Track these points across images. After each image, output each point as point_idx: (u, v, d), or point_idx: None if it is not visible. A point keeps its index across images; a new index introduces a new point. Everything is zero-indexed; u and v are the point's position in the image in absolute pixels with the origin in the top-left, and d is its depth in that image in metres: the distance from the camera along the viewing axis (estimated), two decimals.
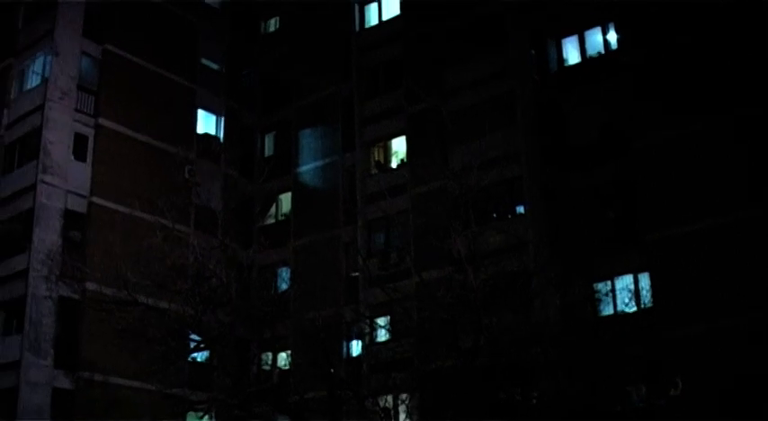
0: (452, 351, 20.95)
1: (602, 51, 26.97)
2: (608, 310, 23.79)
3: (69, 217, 30.12)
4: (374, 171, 32.05)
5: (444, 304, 21.08)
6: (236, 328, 25.86)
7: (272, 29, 38.41)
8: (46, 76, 31.29)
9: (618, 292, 23.44)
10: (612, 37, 27.02)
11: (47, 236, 29.34)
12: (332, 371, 24.59)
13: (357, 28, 34.06)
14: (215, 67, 36.61)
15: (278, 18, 38.14)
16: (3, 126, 32.23)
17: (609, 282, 23.61)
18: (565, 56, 27.68)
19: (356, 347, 29.75)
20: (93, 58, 32.30)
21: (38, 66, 32.12)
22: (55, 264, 28.45)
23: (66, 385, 28.80)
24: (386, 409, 23.13)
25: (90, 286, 28.36)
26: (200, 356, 28.81)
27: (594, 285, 23.59)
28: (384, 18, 33.52)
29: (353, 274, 30.29)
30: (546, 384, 20.50)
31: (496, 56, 28.40)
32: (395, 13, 33.10)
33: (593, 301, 23.43)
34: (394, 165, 31.66)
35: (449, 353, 21.08)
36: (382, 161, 32.20)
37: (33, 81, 32.04)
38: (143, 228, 29.09)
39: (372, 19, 33.98)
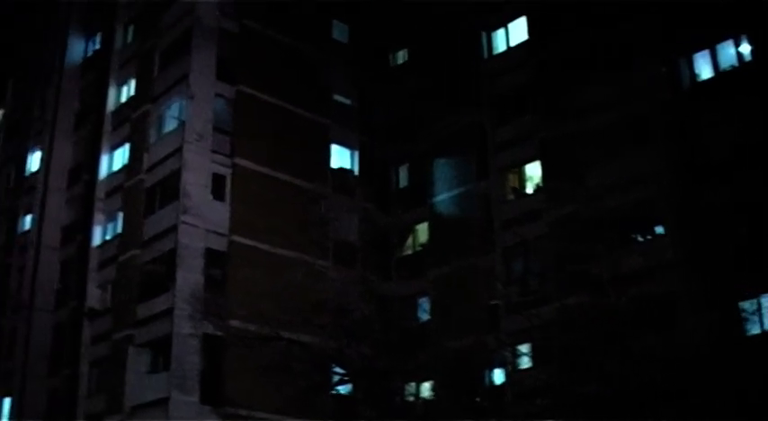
0: (597, 376, 22.34)
1: (736, 64, 27.83)
2: (755, 330, 24.55)
3: (210, 256, 33.13)
4: (510, 197, 33.92)
5: (587, 329, 22.84)
6: (379, 360, 28.38)
7: (400, 61, 41.40)
8: (182, 119, 34.75)
9: (765, 311, 24.16)
10: (745, 49, 27.89)
11: (189, 275, 32.39)
12: (477, 399, 26.70)
13: (485, 55, 36.31)
14: (347, 101, 39.77)
15: (406, 50, 41.07)
16: (143, 170, 36.07)
17: (755, 301, 24.33)
18: (697, 71, 28.70)
19: (499, 375, 31.39)
20: (227, 99, 35.78)
21: (174, 110, 35.90)
22: (198, 302, 31.70)
23: None
24: None
25: (233, 323, 31.49)
26: (344, 389, 31.25)
27: (740, 304, 24.43)
28: (512, 44, 35.63)
29: (493, 302, 31.96)
30: (695, 406, 21.75)
31: (627, 75, 29.85)
32: (522, 38, 35.17)
33: (740, 321, 24.25)
34: (529, 190, 33.33)
35: (594, 379, 22.47)
36: (517, 187, 33.97)
37: (170, 125, 35.77)
38: (283, 264, 32.21)
39: (500, 45, 36.16)
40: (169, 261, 33.21)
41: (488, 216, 33.86)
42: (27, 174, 46.71)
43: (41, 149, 45.57)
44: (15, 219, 46.46)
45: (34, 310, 41.73)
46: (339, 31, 40.80)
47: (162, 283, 33.28)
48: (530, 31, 34.81)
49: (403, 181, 39.39)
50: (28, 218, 45.28)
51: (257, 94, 36.40)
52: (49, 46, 49.22)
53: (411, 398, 31.10)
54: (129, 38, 42.78)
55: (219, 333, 31.80)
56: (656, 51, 29.28)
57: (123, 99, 41.29)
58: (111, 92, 41.94)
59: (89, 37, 47.24)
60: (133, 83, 40.50)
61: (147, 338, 33.57)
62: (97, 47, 45.97)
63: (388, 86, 40.66)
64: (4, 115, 52.83)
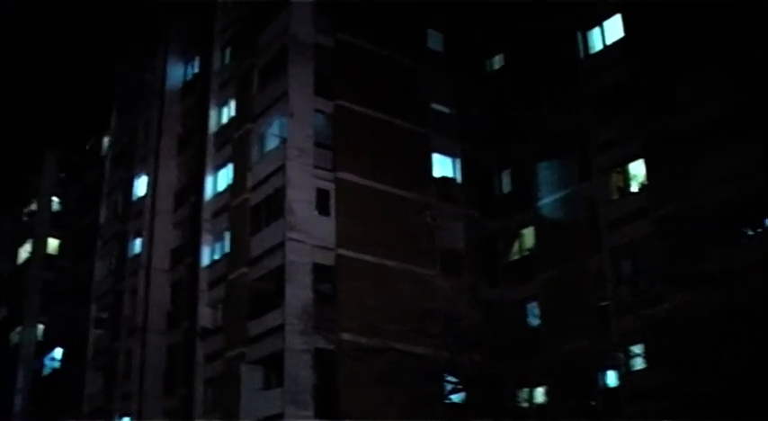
0: (713, 376, 22.69)
1: None
2: None
3: (318, 271, 34.28)
4: (614, 197, 34.27)
5: (701, 327, 23.19)
6: (491, 367, 29.19)
7: (496, 66, 42.38)
8: (284, 136, 36.25)
9: None
10: None
11: (298, 291, 33.55)
12: (592, 403, 27.21)
13: (582, 55, 36.97)
14: (445, 110, 40.67)
15: (501, 55, 42.05)
16: (248, 189, 37.73)
17: None
18: None
19: (612, 377, 31.78)
20: (326, 114, 37.12)
21: (275, 128, 37.44)
22: (308, 317, 32.91)
23: None
24: None
25: (344, 336, 32.66)
26: (457, 398, 31.90)
27: None
28: (608, 42, 36.17)
29: (603, 304, 32.40)
30: None
31: (728, 67, 29.98)
32: (618, 35, 35.67)
33: None
34: (634, 189, 33.67)
35: (710, 379, 22.79)
36: (621, 186, 34.31)
37: (272, 143, 37.33)
38: (390, 276, 33.32)
39: (596, 44, 36.74)
40: (278, 277, 34.48)
41: (593, 217, 34.34)
42: (134, 198, 49.35)
43: (147, 174, 48.17)
44: (125, 244, 49.13)
45: (148, 332, 44.06)
46: (434, 40, 41.85)
47: (272, 300, 34.53)
48: (625, 28, 35.27)
49: (506, 186, 40.17)
50: (137, 242, 47.84)
51: (356, 108, 37.63)
52: (149, 73, 52.03)
53: (524, 404, 31.67)
54: (227, 59, 44.79)
55: (331, 347, 32.89)
56: (758, 41, 29.20)
57: (224, 120, 43.26)
58: (212, 114, 44.00)
59: (188, 61, 49.78)
60: (233, 103, 42.40)
61: (260, 355, 34.85)
62: (196, 70, 48.38)
63: (485, 92, 41.62)
64: (110, 143, 55.89)
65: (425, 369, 29.39)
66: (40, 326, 64.26)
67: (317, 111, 37.10)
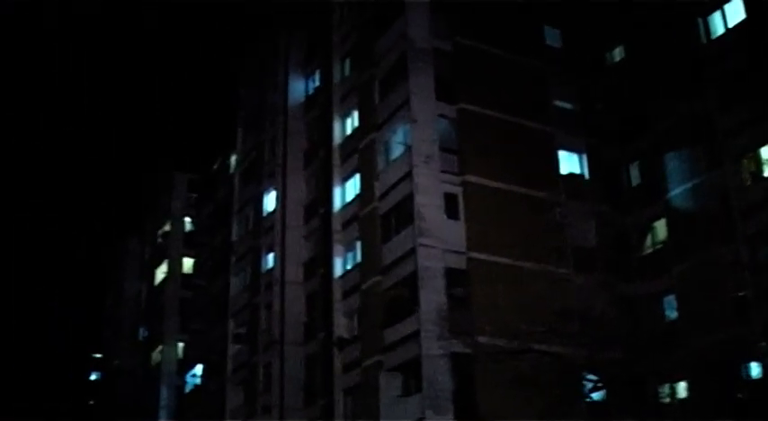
0: None
1: None
2: None
3: (451, 275, 34.86)
4: (747, 183, 33.89)
5: None
6: (631, 364, 29.24)
7: (617, 58, 42.21)
8: (408, 143, 37.06)
9: None
10: None
11: (432, 296, 34.19)
12: (738, 396, 26.95)
13: (704, 40, 36.60)
14: (568, 106, 40.86)
15: (622, 46, 41.88)
16: (376, 198, 38.78)
17: None
18: None
19: (755, 369, 31.35)
20: (449, 118, 37.81)
21: (399, 136, 38.32)
22: (444, 322, 33.46)
23: None
24: None
25: (481, 339, 33.05)
26: (597, 396, 32.09)
27: None
28: (729, 25, 35.73)
29: (741, 293, 32.02)
30: None
31: None
32: (740, 18, 35.25)
33: None
34: (767, 174, 33.24)
35: None
36: (754, 171, 33.87)
37: (397, 151, 38.22)
38: (523, 276, 33.70)
39: (718, 28, 36.32)
40: (411, 284, 35.22)
41: (726, 205, 33.99)
42: (265, 214, 51.15)
43: (276, 189, 49.93)
44: (258, 259, 50.95)
45: (285, 345, 45.58)
46: (551, 37, 42.12)
47: (406, 307, 35.29)
48: (747, 10, 34.86)
49: (634, 179, 39.93)
50: (270, 256, 49.56)
51: (478, 110, 38.18)
52: (271, 90, 53.91)
53: (666, 400, 31.52)
54: (347, 71, 46.17)
55: (468, 350, 33.27)
56: None
57: (348, 131, 44.54)
58: (336, 125, 45.37)
59: (308, 76, 51.43)
60: (356, 114, 43.65)
61: (397, 362, 35.65)
62: (317, 84, 49.94)
63: (607, 85, 41.62)
64: (238, 161, 57.98)
65: (564, 368, 29.61)
66: (180, 345, 67.08)
67: (440, 116, 37.74)
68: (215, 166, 64.75)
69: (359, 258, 40.94)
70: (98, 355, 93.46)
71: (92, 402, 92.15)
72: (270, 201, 51.05)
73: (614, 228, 38.13)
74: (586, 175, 40.13)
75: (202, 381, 59.09)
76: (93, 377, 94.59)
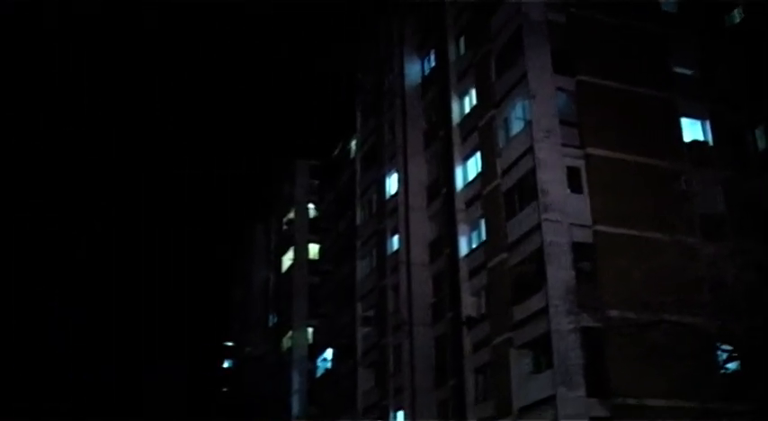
0: None
1: None
2: None
3: (577, 249, 35.13)
4: None
5: None
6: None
7: (736, 20, 41.44)
8: (528, 119, 37.48)
9: None
10: None
11: (559, 271, 34.59)
12: None
13: None
14: (688, 72, 40.26)
15: (740, 7, 41.10)
16: (498, 175, 39.28)
17: None
18: None
19: None
20: (568, 91, 37.92)
21: (518, 111, 38.80)
22: (572, 296, 33.67)
23: (601, 413, 32.86)
24: None
25: (610, 313, 32.57)
26: (733, 366, 31.60)
27: None
28: None
29: None
30: None
31: None
32: None
33: None
34: None
35: None
36: None
37: (517, 126, 38.65)
38: (651, 247, 33.37)
39: None
40: (537, 260, 35.69)
41: None
42: (388, 196, 52.26)
43: (397, 171, 50.94)
44: (383, 242, 52.06)
45: (414, 326, 46.63)
46: (667, 2, 41.55)
47: (534, 283, 35.74)
48: None
49: (761, 143, 39.42)
50: (395, 238, 50.65)
51: (597, 81, 38.07)
52: (387, 73, 54.89)
53: None
54: (462, 49, 46.81)
55: (598, 324, 33.14)
56: None
57: (467, 110, 45.17)
58: (454, 105, 46.06)
59: (423, 57, 52.21)
60: (473, 92, 44.21)
61: (527, 339, 36.18)
62: (432, 64, 50.63)
63: (728, 49, 40.79)
64: (358, 145, 59.24)
65: (697, 339, 29.44)
66: (310, 330, 68.98)
67: (559, 89, 37.91)
68: (335, 152, 66.21)
69: (484, 236, 41.50)
70: (229, 343, 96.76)
71: (225, 389, 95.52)
72: (392, 184, 52.12)
73: (743, 194, 37.47)
74: (710, 142, 39.56)
75: (333, 365, 60.77)
76: (225, 365, 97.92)
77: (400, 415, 47.31)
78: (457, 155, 44.87)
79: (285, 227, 76.02)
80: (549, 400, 33.76)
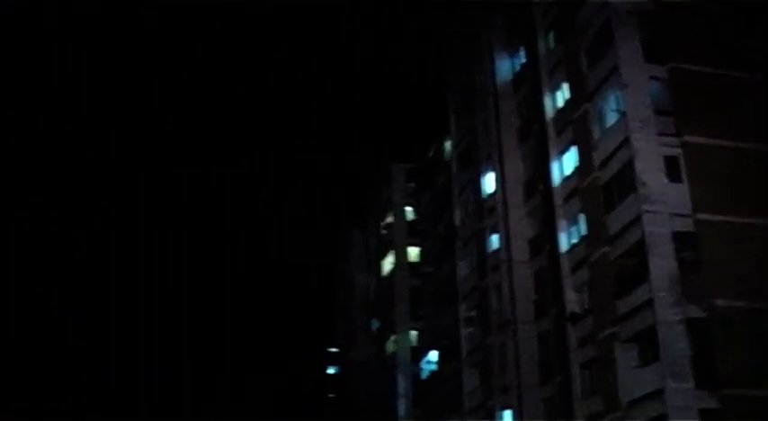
0: None
1: None
2: None
3: (678, 239, 34.90)
4: None
5: None
6: None
7: None
8: (622, 110, 37.38)
9: None
10: None
11: (662, 262, 34.41)
12: None
13: None
14: None
15: None
16: (595, 168, 39.21)
17: None
18: None
19: None
20: (661, 79, 37.64)
21: (612, 103, 38.68)
22: (676, 287, 33.74)
23: (710, 405, 32.59)
24: None
25: (717, 302, 33.09)
26: None
27: None
28: None
29: None
30: None
31: None
32: None
33: None
34: None
35: None
36: None
37: (612, 118, 38.54)
38: (755, 233, 33.22)
39: None
40: (639, 252, 35.48)
41: None
42: (485, 196, 52.40)
43: (493, 170, 51.08)
44: (483, 241, 52.25)
45: (517, 324, 46.75)
46: None
47: (637, 275, 35.51)
48: None
49: None
50: (494, 237, 50.78)
51: (689, 68, 37.67)
52: (477, 73, 55.15)
53: None
54: (551, 44, 46.82)
55: (704, 314, 33.34)
56: None
57: (560, 104, 45.14)
58: (547, 100, 46.15)
59: (513, 54, 52.28)
60: (565, 86, 44.20)
61: (632, 332, 35.97)
62: (522, 61, 50.69)
63: None
64: (452, 146, 59.58)
65: None
66: (413, 332, 69.43)
67: (651, 78, 37.70)
68: (430, 154, 66.63)
69: (583, 231, 41.43)
70: (334, 349, 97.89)
71: (331, 395, 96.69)
72: (489, 183, 52.24)
73: None
74: None
75: (438, 367, 61.01)
76: (330, 371, 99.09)
77: (507, 414, 47.33)
78: (552, 150, 44.89)
79: (383, 231, 76.75)
80: (657, 394, 33.56)
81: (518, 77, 51.24)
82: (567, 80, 43.81)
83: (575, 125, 42.17)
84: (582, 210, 41.55)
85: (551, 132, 45.27)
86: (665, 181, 36.05)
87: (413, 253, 71.98)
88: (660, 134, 36.60)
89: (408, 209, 74.00)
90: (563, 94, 44.87)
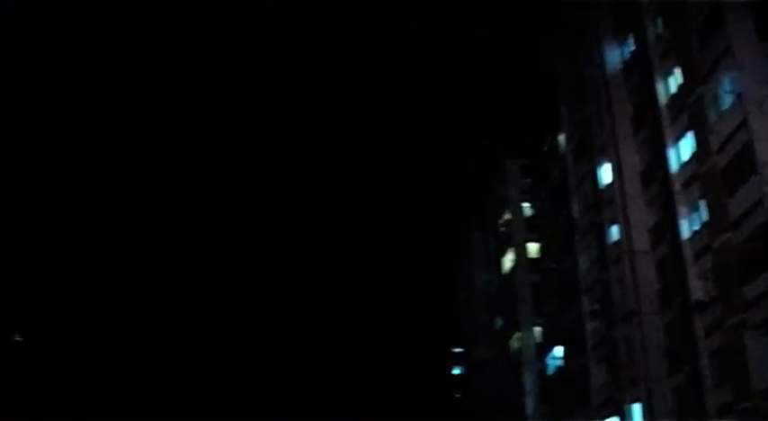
0: None
1: None
2: None
3: None
4: None
5: None
6: None
7: None
8: (738, 91, 36.64)
9: None
10: None
11: None
12: None
13: None
14: None
15: None
16: (713, 152, 38.57)
17: None
18: None
19: None
20: None
21: (726, 85, 37.92)
22: None
23: None
24: None
25: None
26: None
27: None
28: None
29: None
30: None
31: None
32: None
33: None
34: None
35: None
36: None
37: (727, 100, 37.83)
38: None
39: None
40: (764, 235, 34.74)
41: None
42: (602, 187, 51.94)
43: (609, 160, 50.63)
44: (602, 233, 51.79)
45: (642, 315, 46.15)
46: None
47: (763, 259, 34.78)
48: None
49: None
50: (614, 228, 50.24)
51: None
52: (587, 63, 54.77)
53: None
54: (660, 29, 46.14)
55: None
56: None
57: (673, 89, 44.41)
58: (659, 86, 45.46)
59: (621, 42, 51.70)
60: (677, 71, 43.51)
61: (761, 318, 35.15)
62: (632, 48, 50.10)
63: None
64: (566, 139, 59.25)
65: None
66: (537, 329, 69.17)
67: (766, 56, 36.70)
68: (544, 149, 66.35)
69: (705, 217, 40.66)
70: (458, 350, 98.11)
71: (458, 395, 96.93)
72: (605, 174, 51.79)
73: None
74: None
75: (564, 362, 60.69)
76: (456, 371, 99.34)
77: (636, 407, 46.78)
78: (668, 136, 44.21)
79: (502, 228, 76.74)
80: None
81: (628, 65, 50.66)
82: (679, 64, 43.16)
83: (689, 110, 41.49)
84: (702, 196, 40.81)
85: (666, 118, 44.57)
86: None
87: (532, 249, 71.75)
88: None
89: (525, 205, 73.85)
90: (675, 79, 44.12)
